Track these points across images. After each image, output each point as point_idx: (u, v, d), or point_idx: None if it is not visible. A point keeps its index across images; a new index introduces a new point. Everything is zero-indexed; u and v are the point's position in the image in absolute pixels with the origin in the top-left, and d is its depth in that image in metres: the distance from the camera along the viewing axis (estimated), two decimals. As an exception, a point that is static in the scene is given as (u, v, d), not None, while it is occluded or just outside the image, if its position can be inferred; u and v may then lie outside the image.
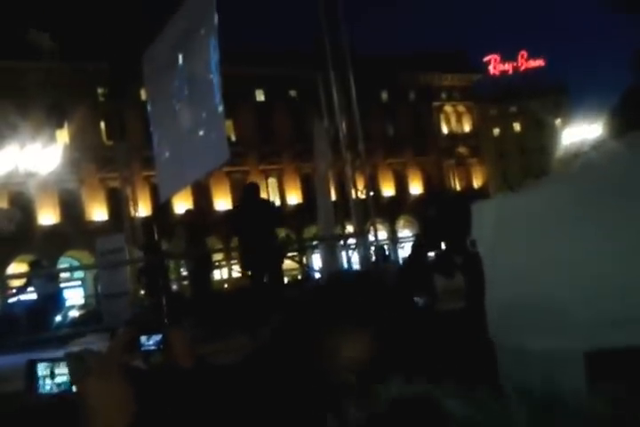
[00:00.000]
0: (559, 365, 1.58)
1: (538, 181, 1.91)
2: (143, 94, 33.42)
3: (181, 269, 18.46)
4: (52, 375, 2.40)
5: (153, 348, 2.21)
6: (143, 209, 26.02)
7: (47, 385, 2.33)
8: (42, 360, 2.30)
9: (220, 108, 10.70)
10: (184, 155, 12.34)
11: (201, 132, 11.34)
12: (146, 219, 22.46)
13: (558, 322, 1.72)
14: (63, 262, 36.76)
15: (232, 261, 17.77)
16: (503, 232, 1.91)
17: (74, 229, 35.95)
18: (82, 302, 27.62)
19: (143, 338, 2.20)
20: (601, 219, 1.72)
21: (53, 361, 2.15)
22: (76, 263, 38.51)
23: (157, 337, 2.20)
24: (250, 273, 11.22)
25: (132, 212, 19.89)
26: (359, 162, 10.36)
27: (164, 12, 14.14)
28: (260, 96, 49.08)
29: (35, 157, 24.59)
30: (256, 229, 10.08)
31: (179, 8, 12.53)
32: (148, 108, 15.44)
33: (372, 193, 11.12)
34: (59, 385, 2.36)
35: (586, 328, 1.68)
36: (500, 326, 1.74)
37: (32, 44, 38.52)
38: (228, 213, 32.42)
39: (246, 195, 11.66)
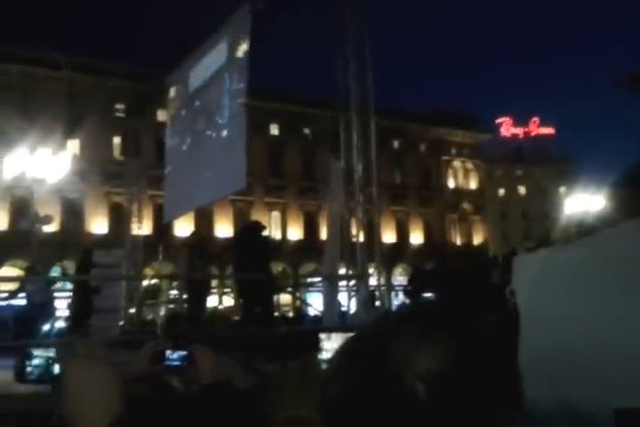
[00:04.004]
0: (587, 419, 1.61)
1: (580, 239, 1.96)
2: (159, 115, 33.73)
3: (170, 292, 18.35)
4: (47, 365, 2.53)
5: (177, 363, 2.25)
6: (145, 227, 25.99)
7: (38, 373, 2.46)
8: (35, 353, 2.42)
9: (243, 135, 10.80)
10: (198, 178, 12.39)
11: (220, 157, 11.40)
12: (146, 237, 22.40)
13: (589, 376, 1.76)
14: (56, 272, 36.48)
15: (226, 289, 17.72)
16: (543, 285, 1.96)
17: (71, 239, 35.78)
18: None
19: (168, 352, 2.25)
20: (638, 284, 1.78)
21: (47, 355, 2.24)
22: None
23: (182, 353, 2.24)
24: (243, 303, 11.29)
25: (136, 229, 19.90)
26: (368, 205, 10.39)
27: (188, 39, 14.41)
28: (275, 130, 49.37)
29: (44, 164, 24.56)
30: (250, 263, 10.17)
31: (208, 37, 12.75)
32: (167, 128, 15.53)
33: (377, 238, 11.14)
34: (50, 374, 2.46)
35: (617, 385, 1.71)
36: (529, 374, 1.76)
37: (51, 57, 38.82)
38: (228, 242, 32.35)
39: (246, 232, 11.84)
